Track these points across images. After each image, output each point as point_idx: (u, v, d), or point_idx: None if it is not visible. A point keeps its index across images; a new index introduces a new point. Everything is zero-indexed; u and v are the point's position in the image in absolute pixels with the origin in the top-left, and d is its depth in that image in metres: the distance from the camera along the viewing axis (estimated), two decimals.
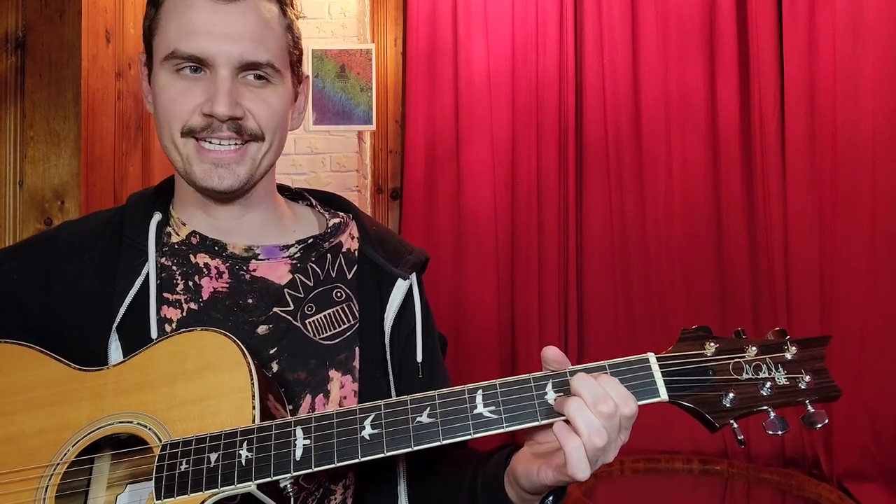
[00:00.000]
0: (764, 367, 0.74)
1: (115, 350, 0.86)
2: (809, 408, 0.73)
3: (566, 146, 3.51)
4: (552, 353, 0.74)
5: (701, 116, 3.43)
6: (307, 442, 0.72)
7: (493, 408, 0.72)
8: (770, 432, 0.73)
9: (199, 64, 0.86)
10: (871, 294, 3.13)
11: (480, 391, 0.73)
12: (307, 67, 3.16)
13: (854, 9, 3.15)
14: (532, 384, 0.73)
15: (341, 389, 0.91)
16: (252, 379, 0.77)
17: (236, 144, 0.88)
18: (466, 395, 0.73)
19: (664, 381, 0.73)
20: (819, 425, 0.72)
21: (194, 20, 0.85)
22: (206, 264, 0.93)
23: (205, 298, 0.91)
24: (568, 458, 0.68)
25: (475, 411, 0.72)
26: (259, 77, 0.88)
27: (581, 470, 0.68)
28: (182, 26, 0.85)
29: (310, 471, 0.72)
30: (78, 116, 1.57)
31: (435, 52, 3.56)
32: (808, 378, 0.73)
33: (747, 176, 3.39)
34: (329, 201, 1.08)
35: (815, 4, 3.23)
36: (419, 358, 0.98)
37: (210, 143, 0.87)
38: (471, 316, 3.47)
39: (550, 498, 0.79)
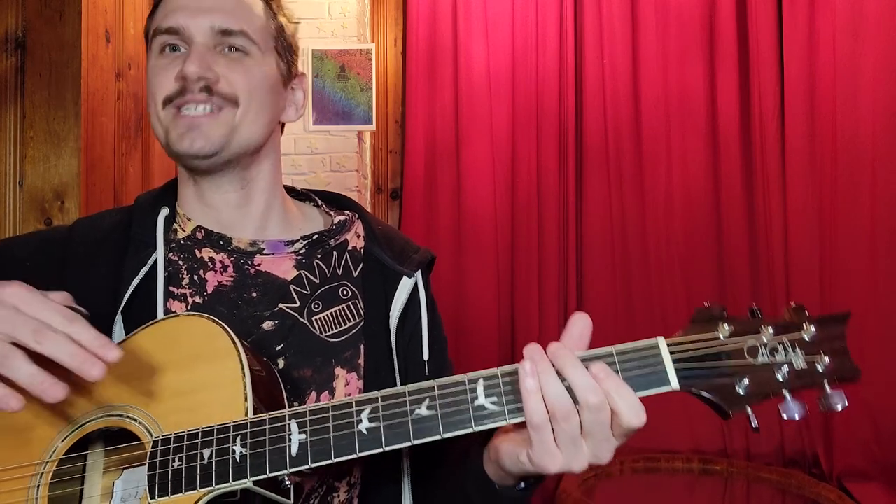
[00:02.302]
0: (781, 348, 0.69)
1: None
2: (827, 389, 0.68)
3: (566, 146, 3.51)
4: (577, 328, 0.74)
5: (701, 116, 3.43)
6: (303, 437, 0.70)
7: (494, 399, 0.69)
8: (785, 416, 0.68)
9: (178, 39, 0.89)
10: (871, 294, 3.13)
11: (481, 381, 0.70)
12: (307, 68, 3.16)
13: (854, 9, 3.16)
14: None
15: (346, 387, 0.91)
16: (243, 369, 0.74)
17: (210, 110, 0.89)
18: (467, 386, 0.70)
19: (675, 368, 0.69)
20: (839, 407, 0.67)
21: (175, 1, 0.91)
22: (210, 258, 0.93)
23: (209, 292, 0.91)
24: (533, 444, 0.66)
25: (476, 402, 0.69)
26: (236, 49, 0.91)
27: (551, 461, 0.66)
28: (165, 9, 0.92)
29: (306, 467, 0.69)
30: (78, 116, 1.58)
31: (435, 52, 3.56)
32: (826, 360, 0.68)
33: (747, 175, 3.39)
34: (334, 201, 1.09)
35: (815, 4, 3.23)
36: (425, 356, 0.97)
37: (186, 109, 0.88)
38: (471, 315, 3.46)
39: (522, 484, 0.77)
